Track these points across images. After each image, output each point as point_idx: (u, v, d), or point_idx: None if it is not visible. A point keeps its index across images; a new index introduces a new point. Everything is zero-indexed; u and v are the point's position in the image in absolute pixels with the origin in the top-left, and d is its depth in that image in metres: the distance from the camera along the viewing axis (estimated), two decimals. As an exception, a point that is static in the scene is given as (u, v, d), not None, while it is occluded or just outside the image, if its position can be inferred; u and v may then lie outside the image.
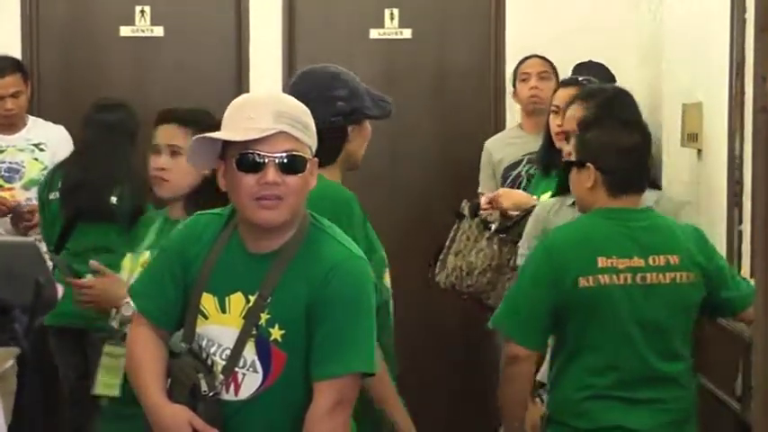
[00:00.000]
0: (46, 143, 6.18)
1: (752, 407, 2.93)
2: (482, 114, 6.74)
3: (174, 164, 3.70)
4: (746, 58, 4.81)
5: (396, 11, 6.76)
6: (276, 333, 2.90)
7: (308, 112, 2.98)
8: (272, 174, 2.83)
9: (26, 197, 6.12)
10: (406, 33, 6.77)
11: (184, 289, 3.02)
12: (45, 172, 6.05)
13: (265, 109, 2.89)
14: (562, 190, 4.32)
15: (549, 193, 4.92)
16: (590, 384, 3.75)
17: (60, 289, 5.15)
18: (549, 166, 5.10)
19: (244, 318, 2.93)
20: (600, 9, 6.50)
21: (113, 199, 5.53)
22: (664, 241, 3.86)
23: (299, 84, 3.62)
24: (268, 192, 2.84)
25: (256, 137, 2.82)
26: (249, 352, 2.94)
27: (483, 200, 5.11)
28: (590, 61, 5.92)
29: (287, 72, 6.42)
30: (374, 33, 6.75)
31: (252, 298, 2.92)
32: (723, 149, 4.78)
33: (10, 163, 6.18)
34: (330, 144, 3.45)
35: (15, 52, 6.51)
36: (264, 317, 2.91)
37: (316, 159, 2.96)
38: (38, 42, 6.65)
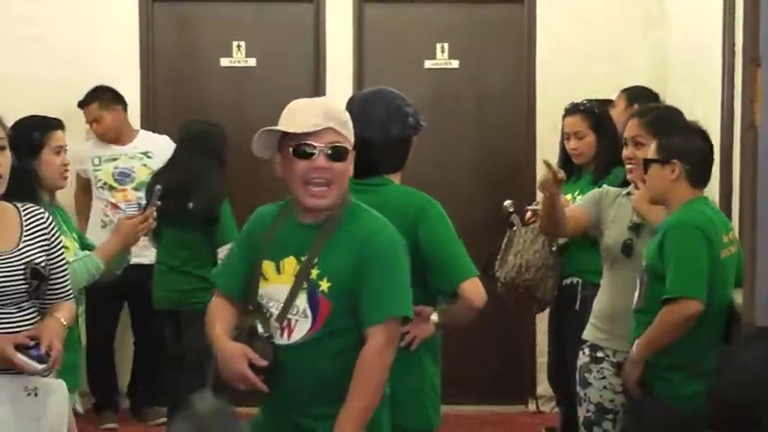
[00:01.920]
0: (153, 151, 6.22)
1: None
2: (515, 131, 6.71)
3: None
4: (736, 84, 4.76)
5: (446, 45, 6.72)
6: (324, 285, 2.93)
7: (347, 114, 3.05)
8: (321, 160, 2.89)
9: (137, 197, 6.17)
10: (454, 64, 6.74)
11: (250, 262, 3.07)
12: None
13: (316, 109, 2.95)
14: (622, 185, 4.30)
15: (569, 196, 4.93)
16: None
17: None
18: (569, 174, 4.97)
19: (295, 276, 2.96)
20: (614, 39, 6.46)
21: (190, 205, 5.54)
22: (726, 221, 3.92)
23: (373, 102, 3.55)
24: (317, 176, 2.89)
25: (309, 130, 2.88)
26: (301, 301, 2.95)
27: (528, 214, 5.01)
28: (638, 86, 5.62)
29: (356, 95, 6.32)
30: (428, 64, 6.73)
31: (303, 260, 2.95)
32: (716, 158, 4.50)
33: (122, 168, 6.27)
34: (403, 152, 3.53)
35: (136, 76, 6.58)
36: (315, 272, 2.94)
37: (354, 151, 2.99)
38: (154, 69, 6.66)
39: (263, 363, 2.92)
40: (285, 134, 2.93)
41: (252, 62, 6.74)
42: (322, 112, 2.93)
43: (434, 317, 3.43)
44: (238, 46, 6.73)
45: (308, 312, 2.96)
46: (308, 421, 2.98)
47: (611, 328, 4.02)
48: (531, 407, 6.65)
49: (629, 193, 4.17)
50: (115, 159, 6.29)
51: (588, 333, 4.14)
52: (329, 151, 2.90)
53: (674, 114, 4.22)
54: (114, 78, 6.43)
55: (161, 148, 6.11)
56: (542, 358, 6.02)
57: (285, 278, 2.99)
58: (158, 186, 4.29)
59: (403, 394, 3.37)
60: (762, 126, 2.01)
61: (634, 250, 4.05)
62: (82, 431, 5.09)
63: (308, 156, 2.90)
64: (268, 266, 3.03)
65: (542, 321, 5.84)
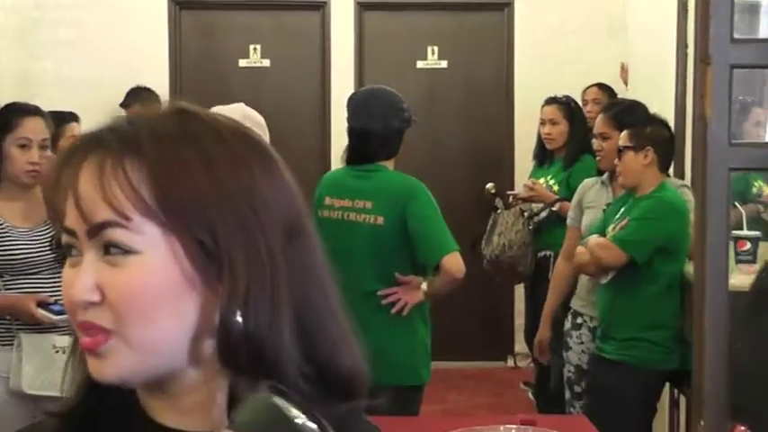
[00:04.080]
0: None
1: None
2: (496, 123, 6.71)
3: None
4: (687, 81, 4.81)
5: (436, 47, 6.73)
6: None
7: (262, 120, 3.02)
8: None
9: None
10: (443, 64, 6.75)
11: None
12: None
13: (237, 113, 2.85)
14: (598, 173, 4.25)
15: (544, 180, 4.97)
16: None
17: None
18: (543, 160, 5.14)
19: None
20: (582, 44, 6.45)
21: None
22: None
23: (373, 100, 3.56)
24: None
25: None
26: None
27: (524, 191, 5.03)
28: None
29: (357, 92, 6.36)
30: (420, 64, 6.74)
31: None
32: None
33: None
34: (396, 142, 3.51)
35: (165, 75, 6.59)
36: None
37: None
38: (181, 69, 6.68)
39: None
40: None
41: (266, 63, 6.74)
42: (241, 116, 2.82)
43: (424, 286, 3.44)
44: (254, 49, 6.73)
45: None
46: None
47: (590, 297, 4.00)
48: (510, 363, 6.66)
49: (603, 182, 4.14)
50: None
51: (573, 301, 4.13)
52: None
53: (636, 108, 4.18)
54: (147, 77, 6.36)
55: None
56: (519, 320, 6.02)
57: None
58: None
59: (398, 354, 3.42)
60: (710, 118, 1.99)
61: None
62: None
63: None
64: None
65: (519, 289, 5.85)
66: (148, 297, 0.90)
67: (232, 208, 0.90)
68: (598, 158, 4.18)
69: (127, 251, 0.90)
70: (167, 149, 0.92)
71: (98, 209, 0.89)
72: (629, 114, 4.02)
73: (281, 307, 0.92)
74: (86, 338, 0.91)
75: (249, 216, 0.91)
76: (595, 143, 4.19)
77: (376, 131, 3.46)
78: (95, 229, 0.90)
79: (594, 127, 4.23)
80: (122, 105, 6.12)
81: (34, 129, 3.28)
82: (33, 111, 3.36)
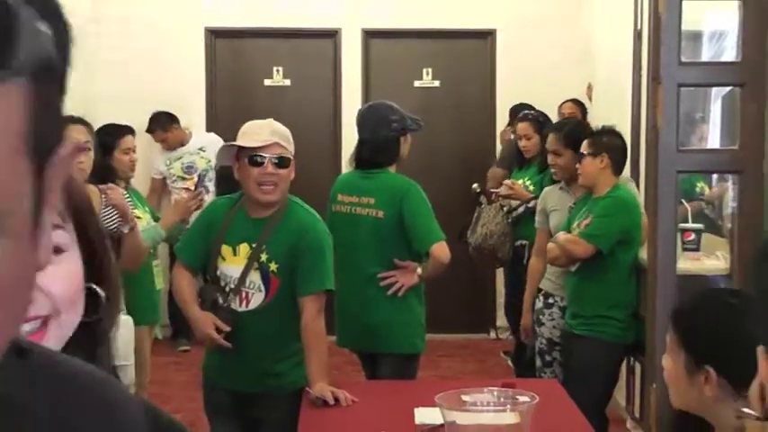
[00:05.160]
0: (205, 146, 6.10)
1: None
2: (481, 132, 6.68)
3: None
4: (642, 97, 4.79)
5: (430, 69, 6.70)
6: (273, 266, 2.85)
7: (288, 132, 2.90)
8: (269, 167, 2.80)
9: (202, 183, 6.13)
10: (436, 83, 6.72)
11: (207, 243, 2.94)
12: (210, 164, 5.99)
13: (264, 128, 2.86)
14: (554, 181, 4.20)
15: (522, 181, 4.93)
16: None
17: None
18: (521, 164, 5.11)
19: (248, 258, 2.87)
20: (554, 66, 6.38)
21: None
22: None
23: (368, 114, 3.57)
24: (267, 179, 2.80)
25: (260, 144, 2.81)
26: (255, 278, 2.87)
27: (503, 189, 4.94)
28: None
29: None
30: (417, 83, 6.70)
31: (254, 245, 2.86)
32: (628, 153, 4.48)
33: (188, 163, 6.16)
34: (392, 150, 3.48)
35: (202, 93, 6.55)
36: (264, 256, 2.85)
37: (294, 161, 2.87)
38: (215, 87, 6.64)
39: (227, 328, 2.86)
40: (241, 147, 2.85)
41: (287, 82, 6.72)
42: (269, 131, 2.85)
43: (419, 270, 3.43)
44: (277, 70, 6.71)
45: (262, 287, 2.88)
46: (264, 363, 2.92)
47: (559, 280, 3.98)
48: (492, 335, 6.64)
49: (562, 187, 4.10)
50: (181, 158, 6.20)
51: (544, 284, 4.08)
52: (275, 160, 2.82)
53: (581, 127, 4.17)
54: (187, 93, 6.43)
55: (211, 142, 6.02)
56: (500, 299, 6.00)
57: (239, 260, 2.90)
58: (202, 174, 4.22)
59: (397, 328, 3.41)
60: (661, 128, 1.99)
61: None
62: (162, 353, 5.18)
63: (259, 164, 2.81)
64: (226, 249, 2.91)
65: (500, 272, 5.83)
66: None
67: None
68: (553, 171, 4.15)
69: None
70: None
71: None
72: (575, 133, 3.99)
73: None
74: (36, 331, 0.90)
75: None
76: (549, 158, 4.16)
77: (368, 140, 3.48)
78: None
79: (547, 144, 4.21)
80: (147, 131, 6.11)
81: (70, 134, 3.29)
82: (76, 119, 3.33)
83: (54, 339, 0.91)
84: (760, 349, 0.81)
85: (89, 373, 0.69)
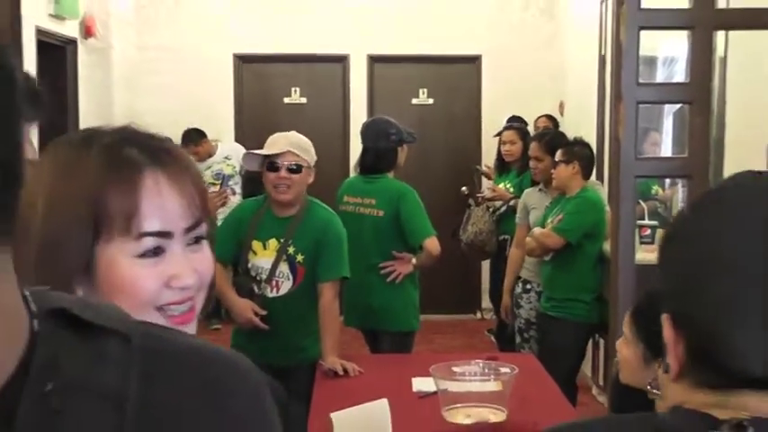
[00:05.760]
0: (230, 155, 6.05)
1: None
2: (469, 143, 6.66)
3: None
4: (605, 113, 4.78)
5: (425, 89, 6.67)
6: (300, 257, 2.84)
7: (310, 143, 2.88)
8: (283, 172, 2.78)
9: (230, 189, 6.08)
10: (431, 101, 6.70)
11: (237, 239, 2.90)
12: (235, 169, 5.97)
13: (282, 140, 2.84)
14: (534, 183, 4.19)
15: (503, 184, 4.92)
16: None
17: None
18: (502, 170, 5.09)
19: (277, 251, 2.85)
20: (531, 85, 6.35)
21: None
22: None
23: (370, 127, 3.56)
24: (281, 182, 2.78)
25: (276, 152, 2.79)
26: (284, 268, 2.85)
27: (488, 192, 4.99)
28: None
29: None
30: (414, 101, 6.68)
31: (282, 240, 2.84)
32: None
33: (216, 171, 6.06)
34: (391, 158, 3.47)
35: (231, 110, 6.52)
36: (292, 249, 2.84)
37: (311, 167, 2.84)
38: (242, 105, 6.62)
39: (264, 312, 2.84)
40: (264, 155, 2.83)
41: (304, 100, 6.70)
42: (286, 142, 2.82)
43: (414, 260, 3.41)
44: (295, 90, 6.70)
45: (290, 276, 2.87)
46: (293, 339, 2.90)
47: (536, 269, 3.96)
48: (478, 315, 6.64)
49: (540, 189, 4.08)
50: (210, 167, 6.12)
51: (522, 272, 4.07)
52: (289, 166, 2.79)
53: (559, 137, 4.16)
54: (218, 110, 6.41)
55: (234, 150, 5.97)
56: (485, 286, 6.00)
57: (269, 253, 2.88)
58: (227, 177, 4.18)
59: (395, 309, 3.39)
60: (622, 139, 1.98)
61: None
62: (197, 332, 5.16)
63: (275, 169, 2.80)
64: (257, 245, 2.89)
65: (485, 263, 5.81)
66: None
67: None
68: (534, 173, 4.14)
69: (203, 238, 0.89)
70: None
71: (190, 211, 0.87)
72: (554, 142, 3.97)
73: None
74: (187, 311, 0.89)
75: None
76: (531, 163, 4.15)
77: (370, 150, 3.47)
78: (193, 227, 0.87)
79: (530, 151, 4.20)
80: (181, 146, 6.01)
81: None
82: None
83: (195, 320, 0.91)
84: (664, 316, 0.82)
85: (196, 352, 0.59)
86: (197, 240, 0.87)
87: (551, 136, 4.19)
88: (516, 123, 5.23)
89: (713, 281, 0.75)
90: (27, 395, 0.49)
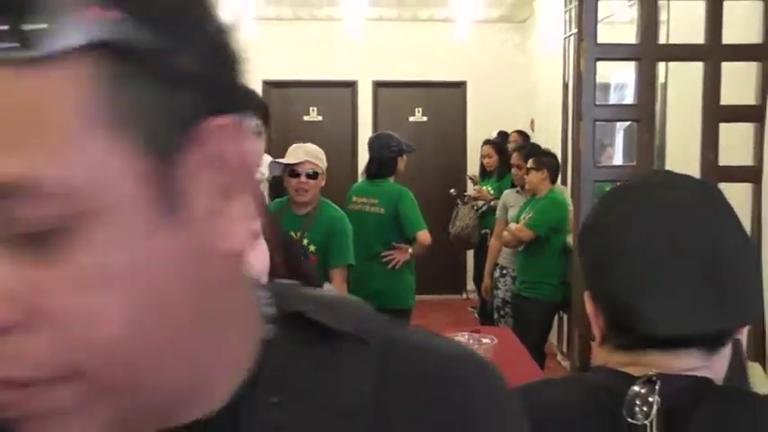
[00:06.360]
0: (260, 163, 6.03)
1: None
2: (456, 154, 6.64)
3: None
4: (568, 129, 4.78)
5: (420, 108, 6.67)
6: (312, 247, 2.79)
7: (321, 151, 2.82)
8: (302, 178, 2.75)
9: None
10: (425, 118, 6.70)
11: None
12: (264, 176, 5.88)
13: (300, 150, 2.81)
14: (513, 185, 4.14)
15: (485, 187, 4.90)
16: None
17: None
18: (484, 176, 5.07)
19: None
20: (507, 105, 6.31)
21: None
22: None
23: (375, 140, 3.55)
24: (300, 187, 2.75)
25: (295, 162, 2.76)
26: None
27: (473, 193, 4.95)
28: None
29: (373, 135, 6.30)
30: (411, 118, 6.67)
31: (299, 233, 2.79)
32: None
33: None
34: (392, 166, 3.47)
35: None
36: (306, 240, 2.79)
37: (324, 173, 2.79)
38: (269, 122, 6.64)
39: None
40: (285, 163, 2.80)
41: (320, 118, 6.68)
42: (303, 152, 2.79)
43: (410, 250, 3.42)
44: (313, 110, 6.69)
45: None
46: None
47: (511, 257, 3.96)
48: (464, 296, 6.62)
49: (518, 191, 4.07)
50: None
51: (500, 259, 4.06)
52: (307, 173, 2.76)
53: (535, 149, 4.15)
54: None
55: (264, 160, 5.90)
56: (470, 271, 5.99)
57: None
58: None
59: (393, 290, 3.39)
60: (583, 150, 1.99)
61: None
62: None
63: (296, 175, 2.77)
64: None
65: (470, 253, 5.82)
66: None
67: None
68: (516, 178, 4.13)
69: None
70: None
71: None
72: (532, 152, 3.98)
73: None
74: None
75: None
76: (513, 170, 4.16)
77: (375, 158, 3.47)
78: None
79: (512, 159, 4.21)
80: None
81: None
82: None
83: None
84: (585, 294, 0.83)
85: (435, 351, 0.47)
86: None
87: (529, 148, 4.18)
88: (496, 138, 5.23)
89: (620, 264, 0.75)
90: (252, 407, 0.41)
